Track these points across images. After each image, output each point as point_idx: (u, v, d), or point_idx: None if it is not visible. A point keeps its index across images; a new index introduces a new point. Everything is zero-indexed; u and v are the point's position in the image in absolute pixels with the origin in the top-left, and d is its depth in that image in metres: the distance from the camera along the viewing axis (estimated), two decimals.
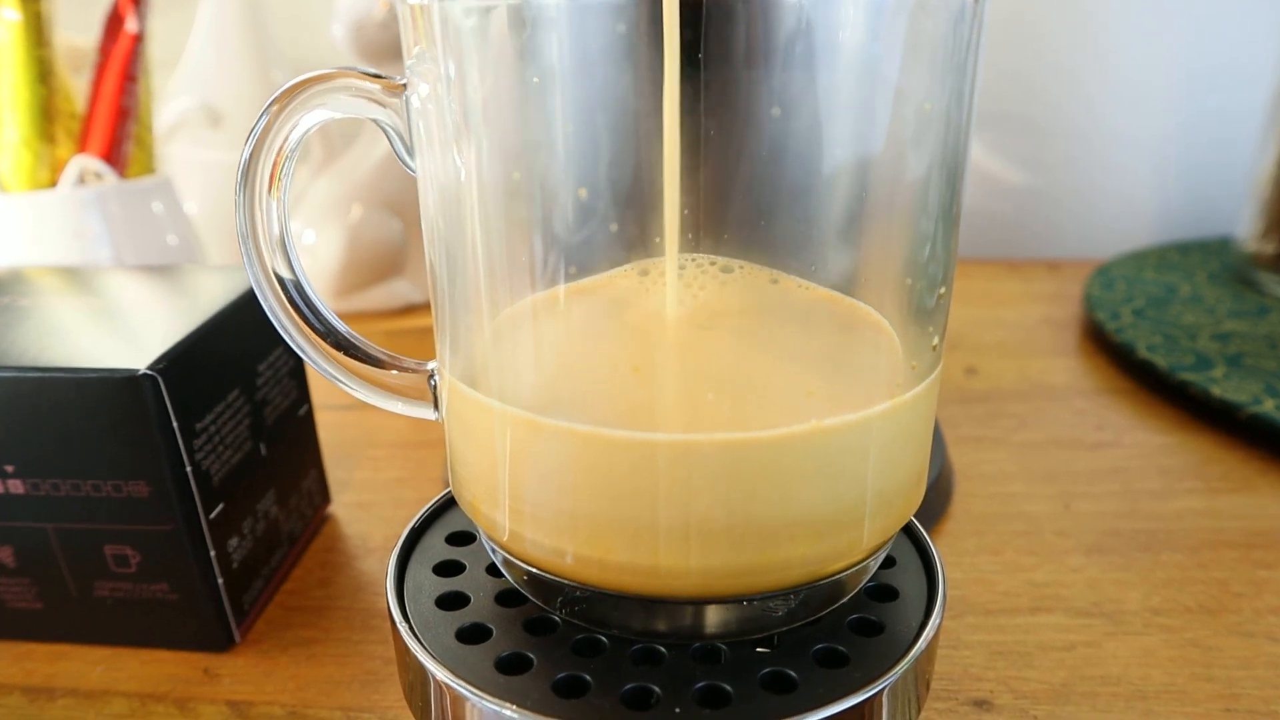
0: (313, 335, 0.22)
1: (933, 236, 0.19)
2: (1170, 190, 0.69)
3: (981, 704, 0.25)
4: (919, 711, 0.20)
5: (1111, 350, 0.49)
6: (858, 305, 0.19)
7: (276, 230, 0.21)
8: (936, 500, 0.34)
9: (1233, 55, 0.65)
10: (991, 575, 0.31)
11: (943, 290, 0.20)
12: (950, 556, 0.32)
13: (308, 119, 0.20)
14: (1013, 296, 0.60)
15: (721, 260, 0.19)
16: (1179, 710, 0.25)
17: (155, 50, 0.47)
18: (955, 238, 0.20)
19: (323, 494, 0.35)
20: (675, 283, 0.19)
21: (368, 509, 0.36)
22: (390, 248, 0.58)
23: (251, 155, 0.21)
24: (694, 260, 0.19)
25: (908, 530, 0.24)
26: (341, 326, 0.23)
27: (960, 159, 0.19)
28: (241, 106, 0.61)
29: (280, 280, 0.22)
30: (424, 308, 0.59)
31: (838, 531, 0.19)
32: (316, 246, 0.56)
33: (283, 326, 0.22)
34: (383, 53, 0.52)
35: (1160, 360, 0.44)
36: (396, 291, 0.59)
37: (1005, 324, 0.55)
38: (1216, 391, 0.40)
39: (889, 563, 0.23)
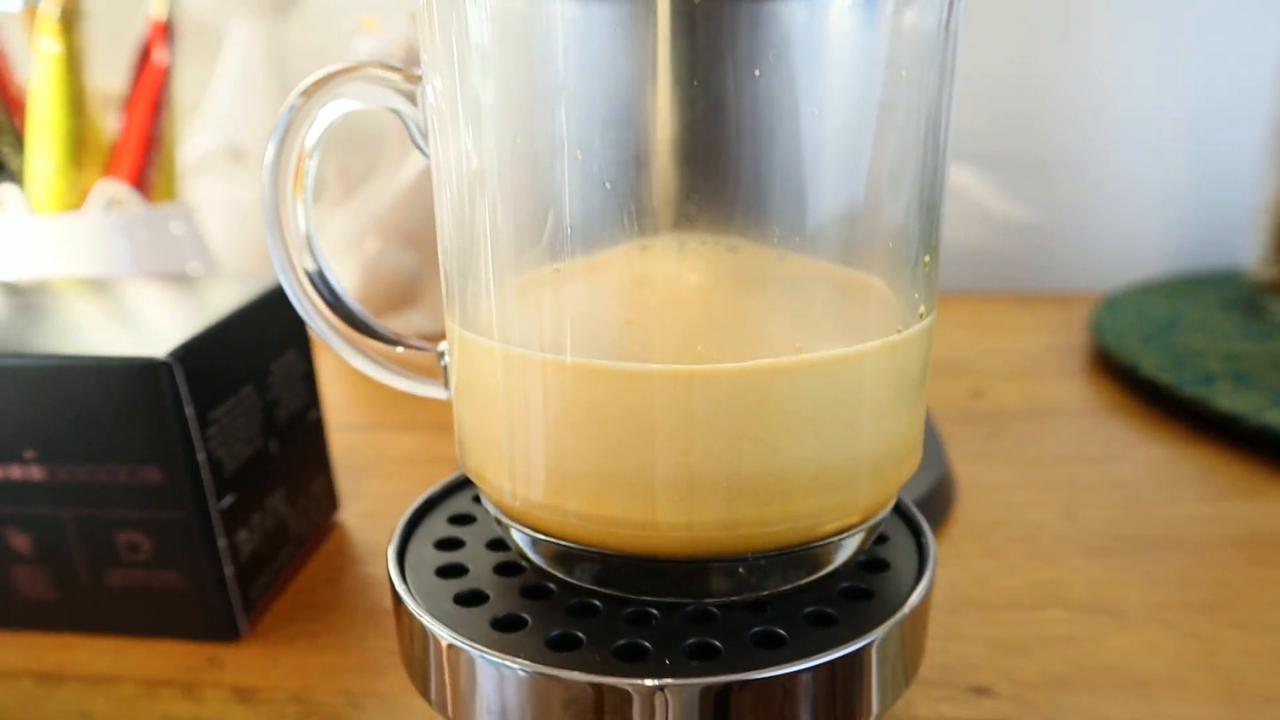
0: (326, 310, 0.23)
1: (914, 204, 0.20)
2: (1176, 227, 0.69)
3: (980, 691, 0.25)
4: (908, 681, 0.21)
5: (1118, 371, 0.49)
6: (853, 273, 0.20)
7: (303, 227, 0.23)
8: (937, 507, 0.34)
9: (1233, 91, 0.66)
10: (992, 576, 0.31)
11: (927, 259, 0.20)
12: (951, 559, 0.32)
13: (332, 107, 0.22)
14: (1021, 326, 0.60)
15: (726, 240, 0.20)
16: (1178, 696, 0.25)
17: (180, 95, 0.49)
18: (939, 210, 0.20)
19: (331, 500, 0.35)
20: (676, 252, 0.20)
21: (376, 518, 0.36)
22: (405, 280, 0.59)
23: (281, 144, 0.22)
24: (696, 238, 0.20)
25: (899, 511, 0.24)
26: (359, 309, 0.24)
27: (942, 131, 0.20)
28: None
29: (307, 273, 0.23)
30: (438, 338, 0.60)
31: (831, 489, 0.19)
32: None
33: (302, 305, 0.23)
34: None
35: (1166, 376, 0.44)
36: (412, 323, 0.60)
37: (1013, 351, 0.55)
38: (1223, 404, 0.40)
39: (881, 539, 0.23)
